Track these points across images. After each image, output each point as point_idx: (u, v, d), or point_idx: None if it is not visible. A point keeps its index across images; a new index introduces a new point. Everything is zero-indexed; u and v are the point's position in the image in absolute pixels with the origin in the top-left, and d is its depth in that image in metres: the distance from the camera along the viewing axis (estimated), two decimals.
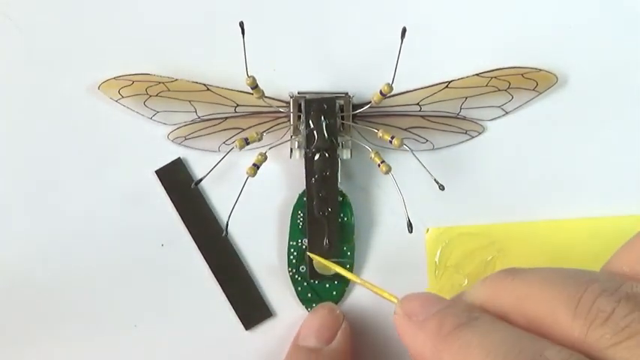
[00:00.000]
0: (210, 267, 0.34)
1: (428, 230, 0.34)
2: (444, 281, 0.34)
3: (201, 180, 0.32)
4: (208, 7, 0.34)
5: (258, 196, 0.34)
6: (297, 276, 0.34)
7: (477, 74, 0.34)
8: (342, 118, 0.33)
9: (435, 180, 0.32)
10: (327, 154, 0.33)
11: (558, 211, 0.34)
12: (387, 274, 0.34)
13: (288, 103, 0.33)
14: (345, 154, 0.33)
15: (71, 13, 0.34)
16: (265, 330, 0.34)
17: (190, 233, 0.34)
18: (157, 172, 0.34)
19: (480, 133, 0.34)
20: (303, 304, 0.34)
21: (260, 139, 0.32)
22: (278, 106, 0.33)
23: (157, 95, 0.34)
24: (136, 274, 0.34)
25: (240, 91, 0.33)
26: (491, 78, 0.34)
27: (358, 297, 0.34)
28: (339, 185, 0.33)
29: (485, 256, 0.34)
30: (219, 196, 0.34)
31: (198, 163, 0.34)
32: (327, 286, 0.33)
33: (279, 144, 0.33)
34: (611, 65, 0.34)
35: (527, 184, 0.34)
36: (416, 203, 0.33)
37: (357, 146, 0.33)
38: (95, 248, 0.34)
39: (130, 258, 0.34)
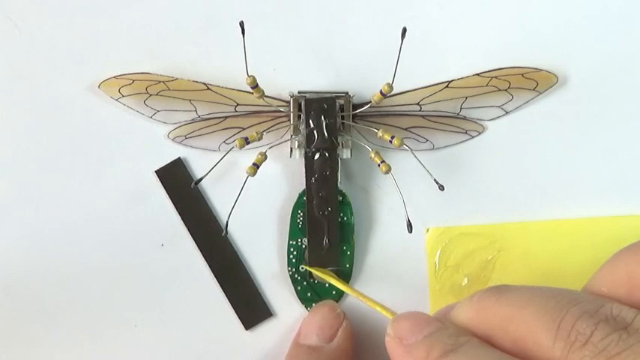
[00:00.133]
0: (210, 267, 0.34)
1: (428, 230, 0.34)
2: (444, 281, 0.34)
3: (201, 179, 0.32)
4: (209, 6, 0.34)
5: (258, 196, 0.34)
6: (296, 275, 0.34)
7: (478, 74, 0.34)
8: (342, 117, 0.33)
9: (434, 180, 0.32)
10: (327, 154, 0.33)
11: (558, 211, 0.34)
12: (386, 274, 0.34)
13: (288, 102, 0.33)
14: (345, 154, 0.33)
15: (71, 12, 0.34)
16: (265, 330, 0.34)
17: (190, 233, 0.34)
18: (156, 171, 0.34)
19: (480, 133, 0.34)
20: (302, 303, 0.34)
21: (260, 139, 0.32)
22: (278, 106, 0.33)
23: (157, 94, 0.34)
24: (136, 273, 0.34)
25: (241, 91, 0.33)
26: (492, 78, 0.34)
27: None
28: (338, 185, 0.33)
29: (485, 256, 0.34)
30: (219, 196, 0.34)
31: (198, 163, 0.34)
32: (327, 285, 0.33)
33: (279, 143, 0.33)
34: (611, 65, 0.34)
35: (527, 183, 0.34)
36: (416, 203, 0.33)
37: (357, 146, 0.33)
38: (95, 248, 0.34)
39: (130, 258, 0.34)
